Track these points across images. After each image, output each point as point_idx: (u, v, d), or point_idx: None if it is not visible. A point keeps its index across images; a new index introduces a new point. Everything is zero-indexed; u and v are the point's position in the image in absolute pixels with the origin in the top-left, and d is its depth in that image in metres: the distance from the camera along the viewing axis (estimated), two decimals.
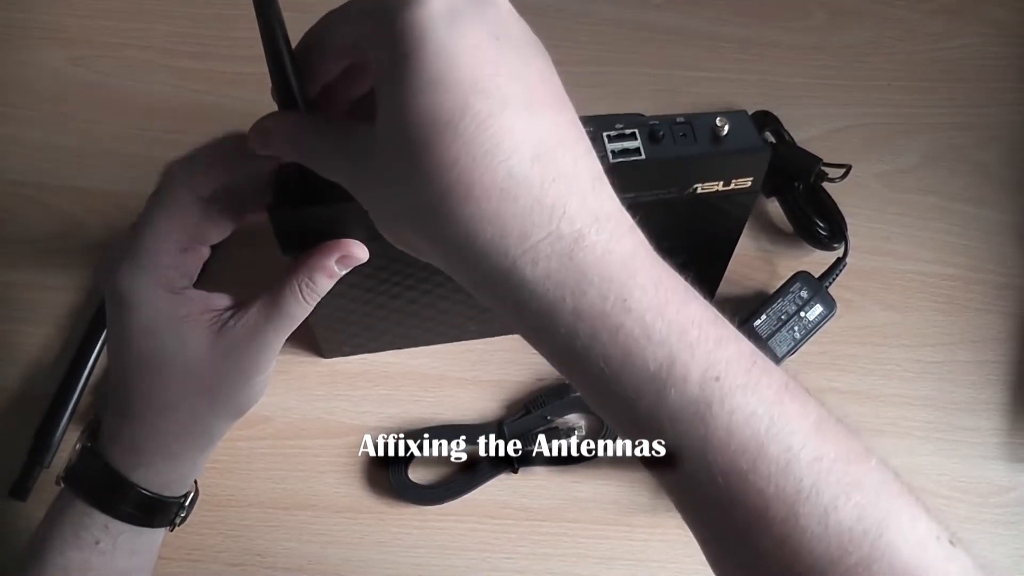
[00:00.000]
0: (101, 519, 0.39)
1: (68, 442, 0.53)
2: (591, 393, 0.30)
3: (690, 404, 0.28)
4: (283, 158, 0.35)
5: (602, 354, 0.28)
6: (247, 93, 0.58)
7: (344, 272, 0.39)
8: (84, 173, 0.59)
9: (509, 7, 0.30)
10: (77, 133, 0.60)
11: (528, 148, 0.28)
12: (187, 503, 0.43)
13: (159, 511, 0.41)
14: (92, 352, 0.54)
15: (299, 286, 0.38)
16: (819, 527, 0.27)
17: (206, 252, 0.40)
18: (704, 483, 0.28)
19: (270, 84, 0.34)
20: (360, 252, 0.39)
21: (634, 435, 0.30)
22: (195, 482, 0.45)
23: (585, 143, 0.30)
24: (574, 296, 0.28)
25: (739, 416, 0.28)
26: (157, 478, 0.40)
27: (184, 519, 0.44)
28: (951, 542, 0.28)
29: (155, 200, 0.38)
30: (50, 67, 0.62)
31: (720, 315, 0.30)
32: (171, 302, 0.38)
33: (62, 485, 0.41)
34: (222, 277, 0.44)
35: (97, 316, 0.55)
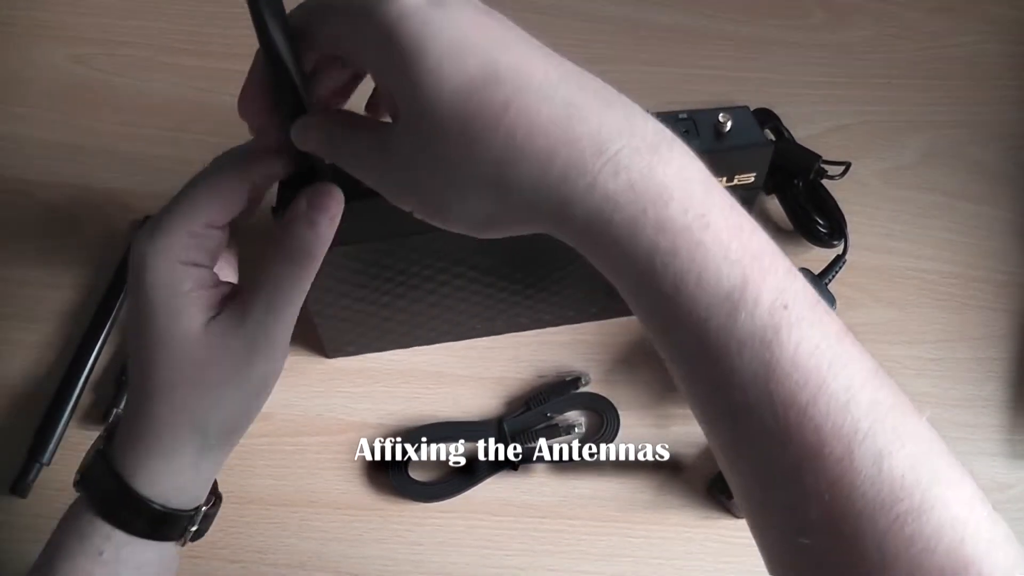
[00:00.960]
0: (104, 528, 0.37)
1: (68, 440, 0.53)
2: (661, 317, 0.30)
3: (759, 329, 0.28)
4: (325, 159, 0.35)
5: (680, 270, 0.28)
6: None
7: (324, 218, 0.35)
8: (84, 172, 0.59)
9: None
10: (77, 131, 0.60)
11: (571, 78, 0.29)
12: (199, 517, 0.40)
13: (163, 523, 0.38)
14: (93, 350, 0.54)
15: (282, 245, 0.35)
16: (873, 469, 0.27)
17: (225, 236, 0.38)
18: (763, 415, 0.28)
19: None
20: (328, 188, 0.36)
21: (698, 366, 0.29)
22: (216, 497, 0.42)
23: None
24: (655, 208, 0.28)
25: (804, 347, 0.28)
26: (157, 484, 0.37)
27: (199, 535, 0.40)
28: (983, 501, 0.29)
29: (205, 173, 0.36)
30: (50, 65, 0.62)
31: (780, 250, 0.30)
32: (177, 274, 0.35)
33: (77, 488, 0.39)
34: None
35: (98, 313, 0.55)
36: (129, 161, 0.60)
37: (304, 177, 0.37)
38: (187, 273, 0.36)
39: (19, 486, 0.51)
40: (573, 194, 0.29)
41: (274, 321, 0.36)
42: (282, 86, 0.34)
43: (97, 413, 0.53)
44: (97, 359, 0.54)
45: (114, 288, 0.56)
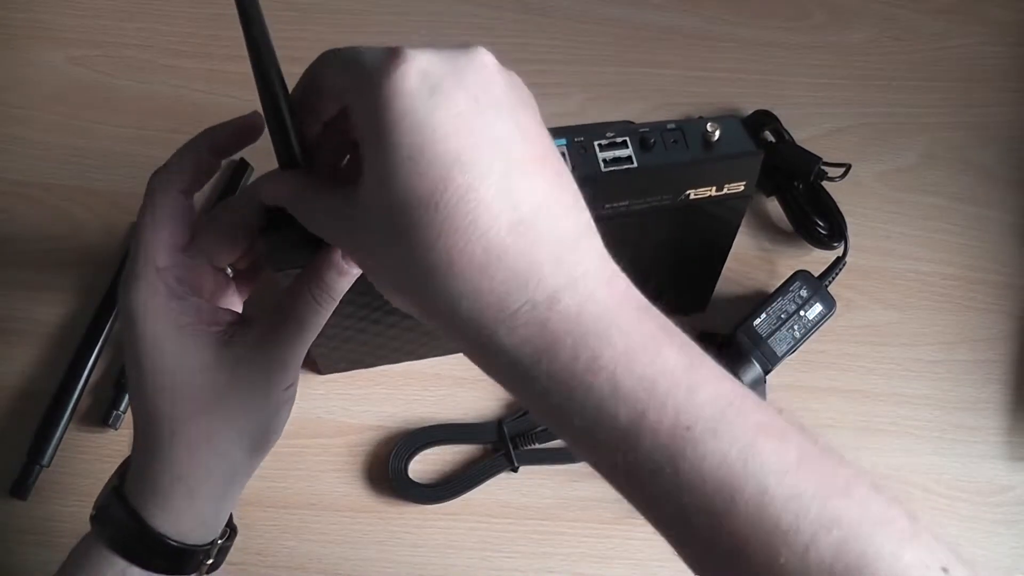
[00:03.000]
0: (119, 564, 0.37)
1: (68, 441, 0.53)
2: (572, 446, 0.31)
3: (662, 455, 0.28)
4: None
5: (577, 412, 0.29)
6: (247, 93, 0.58)
7: (357, 270, 0.37)
8: (84, 173, 0.59)
9: (492, 61, 0.30)
10: (77, 133, 0.60)
11: (506, 219, 0.29)
12: (215, 551, 0.40)
13: (180, 559, 0.38)
14: (92, 351, 0.54)
15: (309, 288, 0.37)
16: (800, 564, 0.27)
17: (217, 275, 0.39)
18: (685, 527, 0.29)
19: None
20: None
21: (616, 485, 0.30)
22: (232, 528, 0.42)
23: (569, 196, 0.31)
24: (548, 359, 0.29)
25: (711, 461, 0.28)
26: (177, 522, 0.37)
27: (214, 567, 0.40)
28: (944, 569, 0.28)
29: (141, 208, 0.37)
30: (50, 67, 0.62)
31: (701, 356, 0.30)
32: (173, 310, 0.36)
33: (92, 523, 0.39)
34: None
35: (97, 315, 0.55)
36: (129, 163, 0.60)
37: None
38: (181, 307, 0.37)
39: (19, 488, 0.51)
40: (474, 341, 0.30)
41: (294, 352, 0.38)
42: (282, 144, 0.35)
43: (96, 415, 0.53)
44: (96, 361, 0.54)
45: (113, 290, 0.56)
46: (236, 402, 0.37)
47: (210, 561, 0.40)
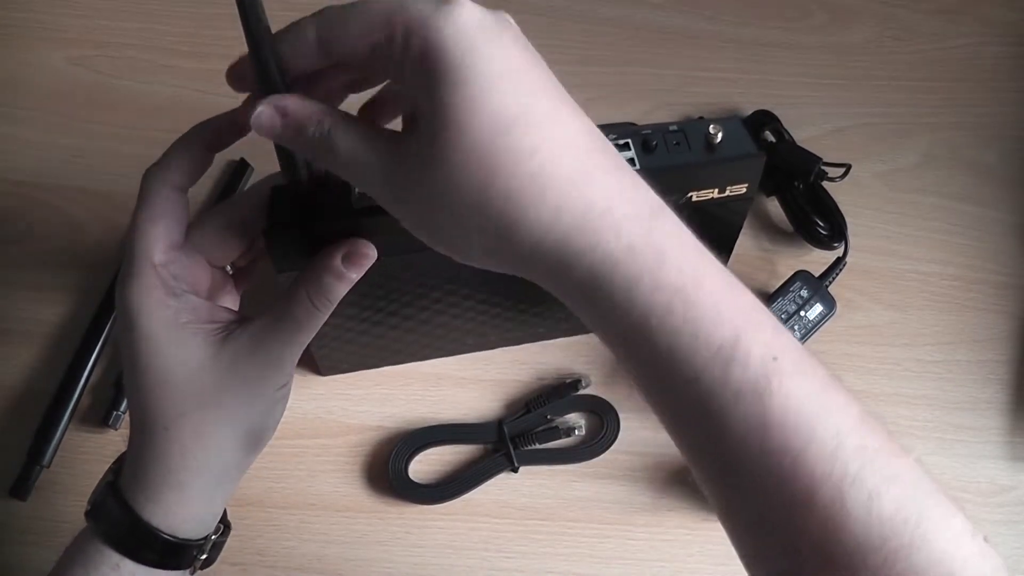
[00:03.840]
0: (113, 558, 0.37)
1: (68, 441, 0.53)
2: (655, 373, 0.31)
3: (751, 381, 0.29)
4: (296, 150, 0.34)
5: (675, 327, 0.29)
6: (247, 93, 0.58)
7: (355, 274, 0.37)
8: (84, 173, 0.59)
9: (518, 28, 0.32)
10: (77, 133, 0.60)
11: (587, 141, 0.31)
12: (208, 546, 0.40)
13: (173, 554, 0.38)
14: (92, 351, 0.54)
15: (307, 291, 0.37)
16: (863, 512, 0.28)
17: (214, 272, 0.39)
18: (756, 463, 0.29)
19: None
20: (368, 250, 0.37)
21: (691, 418, 0.31)
22: (226, 524, 0.42)
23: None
24: (653, 270, 0.29)
25: (795, 397, 0.29)
26: (169, 516, 0.37)
27: (208, 563, 0.41)
28: (985, 539, 0.30)
29: (137, 206, 0.37)
30: (50, 67, 0.62)
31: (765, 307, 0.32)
32: (170, 308, 0.36)
33: (87, 518, 0.39)
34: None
35: (97, 315, 0.55)
36: (128, 163, 0.59)
37: (294, 188, 0.37)
38: (179, 304, 0.37)
39: (19, 488, 0.51)
40: (575, 251, 0.30)
41: (289, 352, 0.38)
42: (263, 65, 0.32)
43: (96, 415, 0.53)
44: (96, 361, 0.54)
45: (112, 291, 0.56)
46: (230, 400, 0.37)
47: (203, 556, 0.40)
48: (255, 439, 0.39)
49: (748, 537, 0.31)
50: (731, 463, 0.30)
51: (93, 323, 0.55)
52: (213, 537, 0.40)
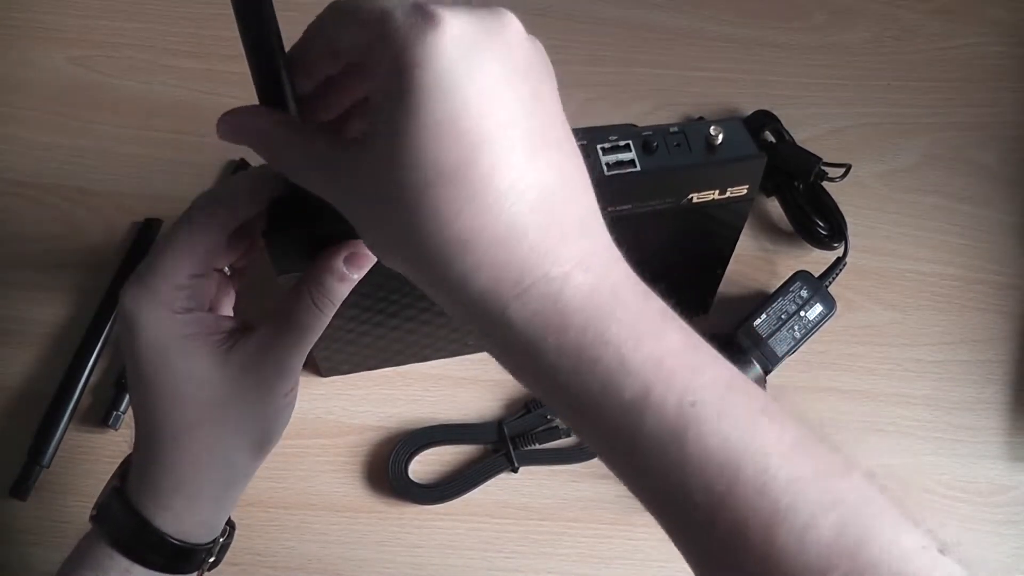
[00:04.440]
0: (123, 563, 0.37)
1: (68, 441, 0.53)
2: (575, 424, 0.31)
3: (667, 431, 0.28)
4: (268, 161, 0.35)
5: (583, 387, 0.29)
6: (247, 93, 0.58)
7: (357, 275, 0.37)
8: (84, 173, 0.59)
9: (520, 28, 0.30)
10: (77, 133, 0.60)
11: (529, 197, 0.29)
12: (216, 549, 0.40)
13: (182, 558, 0.38)
14: (92, 351, 0.54)
15: (309, 292, 0.37)
16: (797, 544, 0.27)
17: (216, 279, 0.39)
18: (685, 506, 0.29)
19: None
20: (368, 251, 0.37)
21: (618, 465, 0.31)
22: (231, 525, 0.42)
23: (583, 179, 0.31)
24: (557, 334, 0.29)
25: (714, 440, 0.28)
26: (179, 522, 0.38)
27: (214, 564, 0.41)
28: (940, 551, 0.28)
29: (181, 223, 0.37)
30: (50, 67, 0.62)
31: (700, 341, 0.30)
32: (176, 321, 0.36)
33: (92, 523, 0.39)
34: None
35: (97, 315, 0.55)
36: (129, 163, 0.60)
37: (295, 202, 0.37)
38: (185, 319, 0.36)
39: (19, 488, 0.51)
40: (484, 314, 0.29)
41: (295, 356, 0.38)
42: (268, 80, 0.33)
43: (96, 415, 0.53)
44: (96, 361, 0.54)
45: (113, 291, 0.56)
46: (237, 411, 0.37)
47: (212, 559, 0.40)
48: (262, 446, 0.39)
49: (694, 566, 0.31)
50: (661, 504, 0.30)
51: (93, 323, 0.55)
52: (220, 540, 0.41)
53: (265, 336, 0.37)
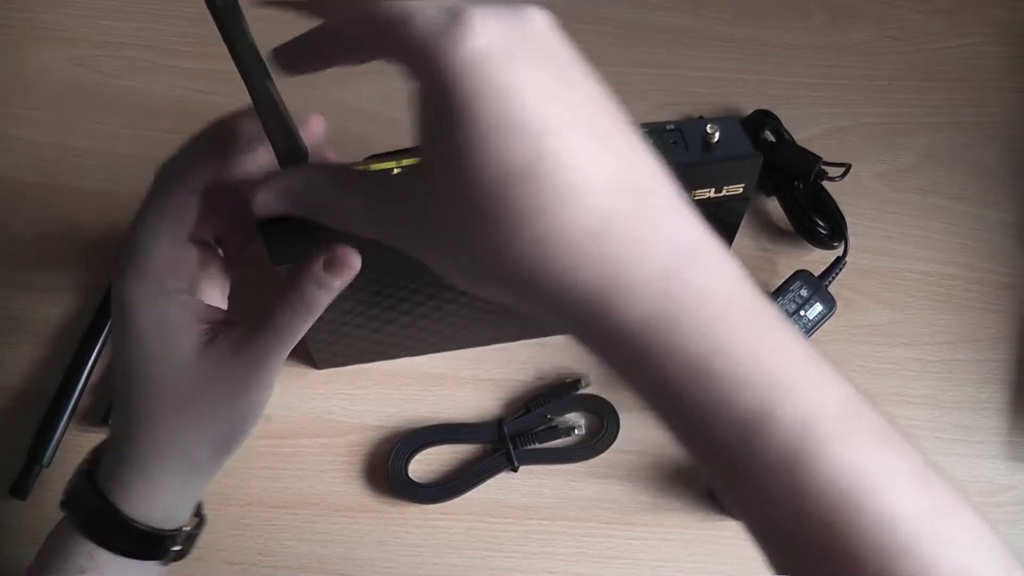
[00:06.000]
0: (88, 546, 0.37)
1: (68, 441, 0.53)
2: (682, 436, 0.29)
3: (781, 453, 0.27)
4: (311, 218, 0.34)
5: (694, 399, 0.27)
6: (247, 93, 0.58)
7: (338, 282, 0.36)
8: (84, 173, 0.59)
9: (549, 22, 0.29)
10: (77, 133, 0.60)
11: (611, 181, 0.27)
12: (181, 538, 0.40)
13: (146, 543, 0.38)
14: (92, 351, 0.54)
15: (288, 299, 0.36)
16: None
17: (204, 252, 0.38)
18: (796, 533, 0.27)
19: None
20: (351, 259, 0.36)
21: (725, 482, 0.29)
22: (200, 517, 0.42)
23: (652, 157, 0.29)
24: (668, 338, 0.27)
25: (833, 469, 0.27)
26: (141, 505, 0.37)
27: (181, 555, 0.41)
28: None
29: (147, 198, 0.37)
30: (50, 67, 0.62)
31: (817, 353, 0.29)
32: (162, 305, 0.36)
33: (61, 508, 0.39)
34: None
35: (97, 315, 0.55)
36: (129, 163, 0.60)
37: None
38: (171, 301, 0.36)
39: (19, 488, 0.51)
40: (587, 315, 0.28)
41: (272, 359, 0.37)
42: (285, 139, 0.33)
43: (96, 415, 0.53)
44: (96, 361, 0.54)
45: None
46: (207, 405, 0.37)
47: (177, 548, 0.40)
48: (226, 445, 0.38)
49: None
50: (772, 529, 0.28)
51: (93, 323, 0.55)
52: (186, 529, 0.40)
53: (243, 334, 0.36)
